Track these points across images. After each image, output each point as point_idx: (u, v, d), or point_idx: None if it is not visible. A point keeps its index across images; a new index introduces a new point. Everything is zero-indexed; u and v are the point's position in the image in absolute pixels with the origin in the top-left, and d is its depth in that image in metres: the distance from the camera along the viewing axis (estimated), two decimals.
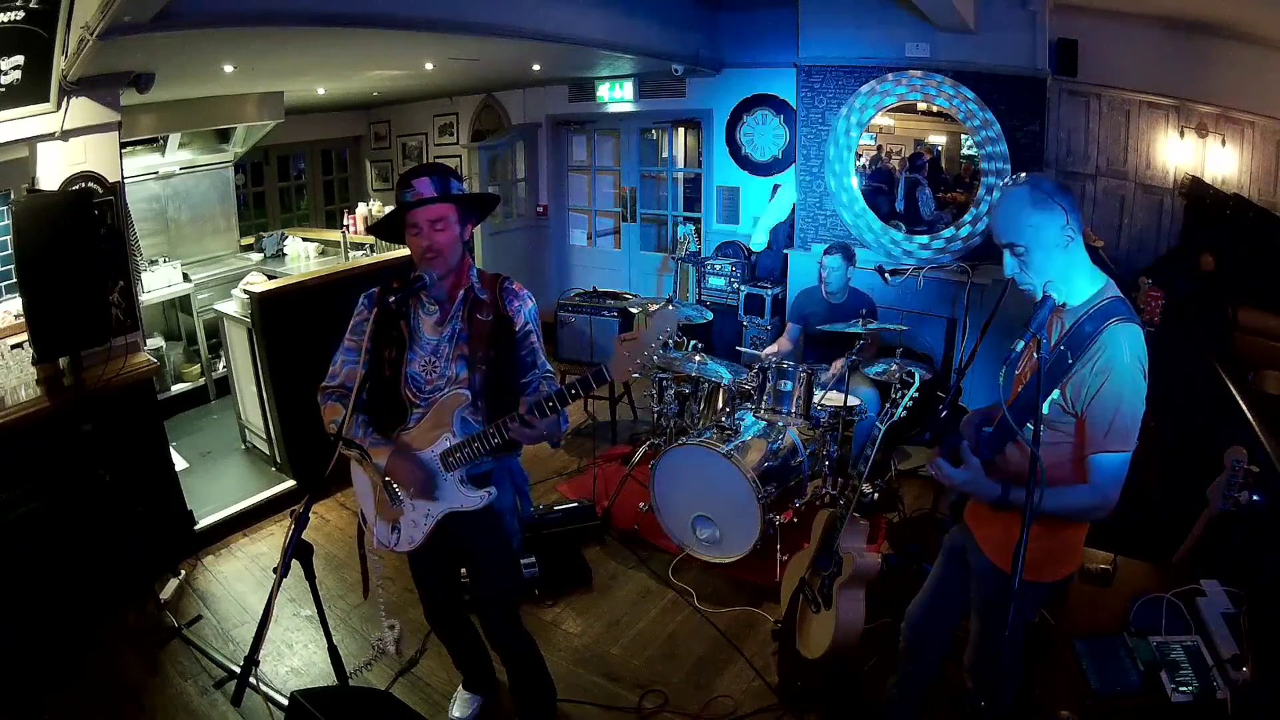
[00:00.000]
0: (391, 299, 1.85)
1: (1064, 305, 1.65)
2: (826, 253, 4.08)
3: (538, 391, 1.99)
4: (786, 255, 5.43)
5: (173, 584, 3.25)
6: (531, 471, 2.59)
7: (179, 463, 3.85)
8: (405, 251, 4.99)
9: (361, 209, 6.24)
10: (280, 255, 5.89)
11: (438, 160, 7.37)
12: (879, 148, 4.94)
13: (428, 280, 1.89)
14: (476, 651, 2.49)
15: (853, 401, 3.65)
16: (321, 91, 6.10)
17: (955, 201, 4.79)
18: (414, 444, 1.98)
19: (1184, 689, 1.76)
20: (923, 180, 4.82)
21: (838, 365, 3.77)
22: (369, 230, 2.22)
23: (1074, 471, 1.63)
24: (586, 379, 1.79)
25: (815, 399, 3.57)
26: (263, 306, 3.85)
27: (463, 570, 2.37)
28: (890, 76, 4.69)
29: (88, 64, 2.81)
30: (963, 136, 4.63)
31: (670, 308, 2.08)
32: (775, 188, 5.60)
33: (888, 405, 2.28)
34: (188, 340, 5.35)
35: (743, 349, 4.70)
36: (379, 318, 1.92)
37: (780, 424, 3.46)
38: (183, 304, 5.14)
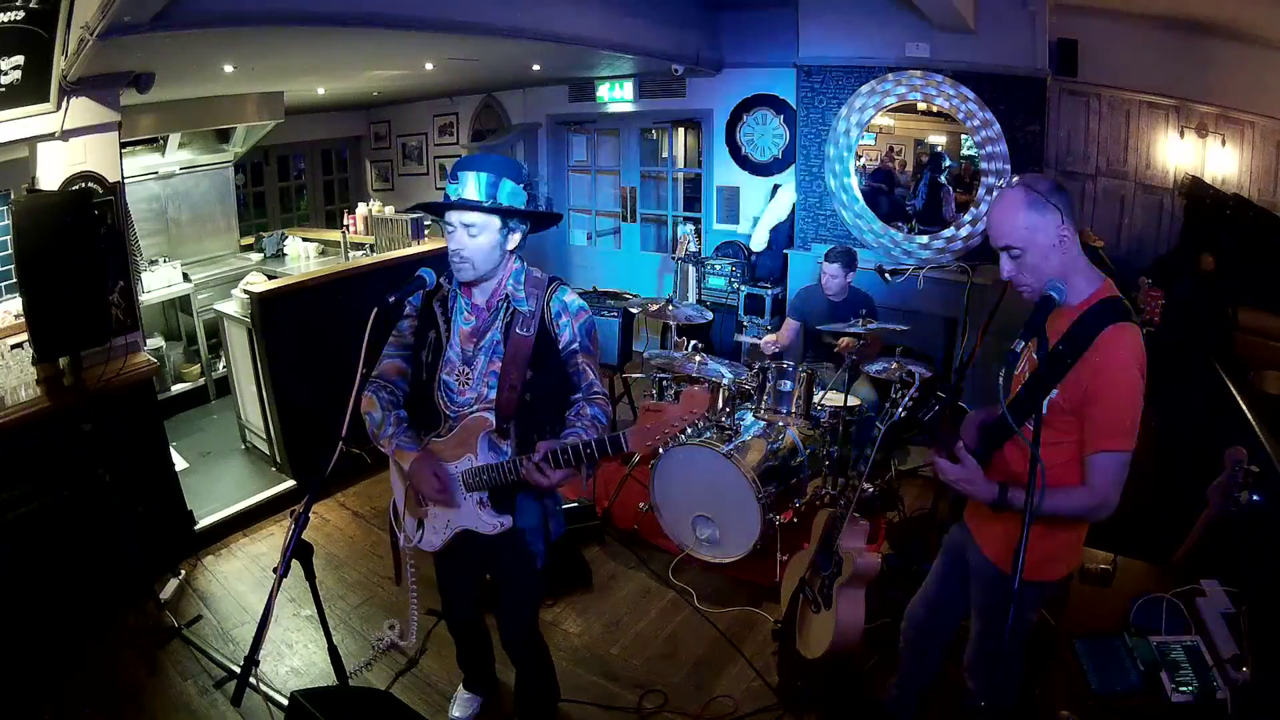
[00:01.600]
0: (394, 297, 1.79)
1: (1062, 305, 1.65)
2: (826, 258, 4.05)
3: (579, 416, 1.86)
4: (786, 255, 5.43)
5: (173, 584, 3.24)
6: None
7: (179, 463, 3.85)
8: (406, 252, 5.03)
9: (361, 209, 6.22)
10: (280, 255, 5.89)
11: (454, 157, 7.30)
12: (889, 147, 4.94)
13: (426, 280, 1.84)
14: (484, 652, 2.50)
15: (853, 402, 3.65)
16: (321, 91, 6.11)
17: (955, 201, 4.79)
18: (441, 455, 1.92)
19: (1184, 689, 1.76)
20: (945, 181, 4.82)
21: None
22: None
23: (1073, 472, 1.63)
24: (604, 442, 1.70)
25: (815, 399, 3.57)
26: (263, 306, 3.85)
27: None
28: (890, 76, 4.69)
29: (88, 64, 2.81)
30: (963, 136, 4.63)
31: (702, 388, 1.94)
32: (775, 188, 5.60)
33: (888, 405, 2.28)
34: (188, 340, 5.35)
35: (741, 338, 4.63)
36: (419, 316, 1.89)
37: (780, 424, 3.46)
38: (183, 304, 5.14)
